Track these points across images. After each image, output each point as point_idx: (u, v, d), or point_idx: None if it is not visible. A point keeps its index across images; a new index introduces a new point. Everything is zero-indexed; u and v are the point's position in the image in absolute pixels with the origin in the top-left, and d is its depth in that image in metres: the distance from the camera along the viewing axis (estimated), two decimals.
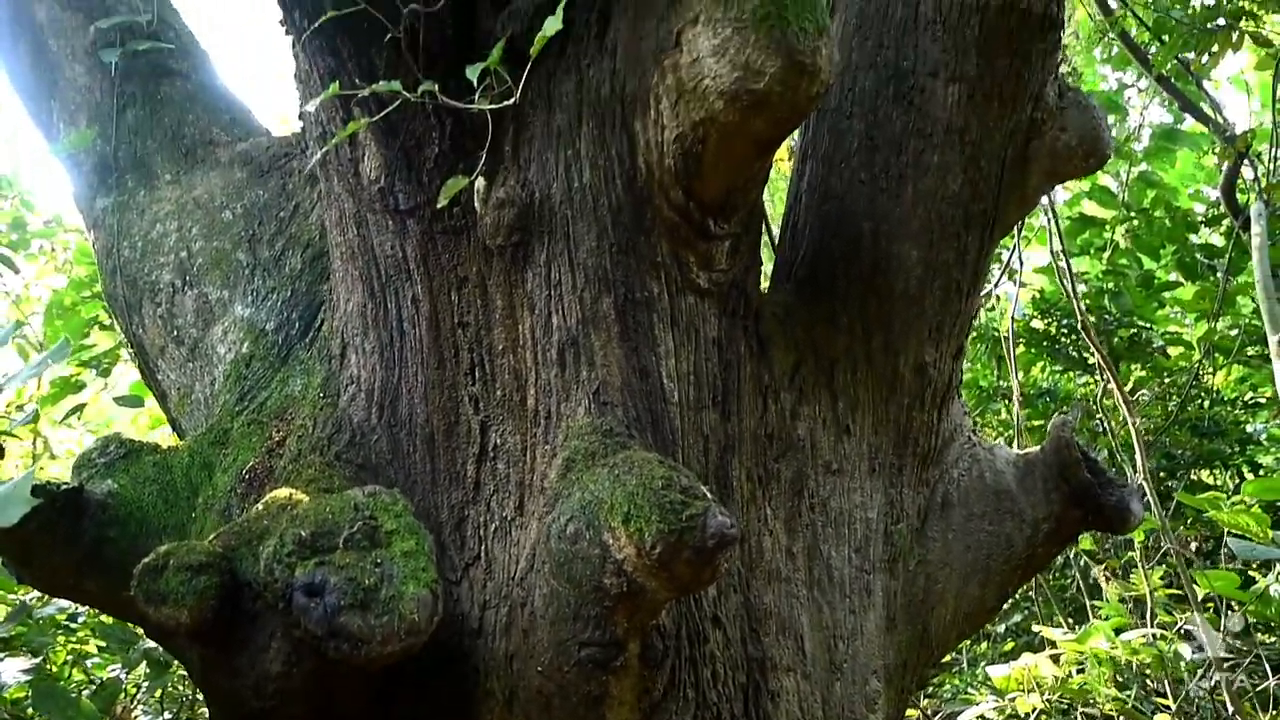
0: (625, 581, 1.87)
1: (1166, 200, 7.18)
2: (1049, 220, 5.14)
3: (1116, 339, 6.79)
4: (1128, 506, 2.64)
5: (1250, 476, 6.37)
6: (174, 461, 2.43)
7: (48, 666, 3.86)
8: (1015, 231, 5.38)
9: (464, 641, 2.16)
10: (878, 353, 2.60)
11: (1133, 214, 7.11)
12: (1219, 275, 6.66)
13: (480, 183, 2.24)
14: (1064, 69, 8.48)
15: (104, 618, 3.67)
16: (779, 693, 2.30)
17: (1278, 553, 3.51)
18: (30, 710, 3.32)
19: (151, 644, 3.52)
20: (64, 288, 4.85)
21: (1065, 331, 6.74)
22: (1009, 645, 6.65)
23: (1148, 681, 4.71)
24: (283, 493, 2.07)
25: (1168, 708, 4.48)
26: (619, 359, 2.21)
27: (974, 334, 7.02)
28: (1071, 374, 7.33)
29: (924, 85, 2.58)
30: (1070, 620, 6.04)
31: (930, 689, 6.47)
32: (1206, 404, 7.08)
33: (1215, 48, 4.88)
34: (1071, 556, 6.07)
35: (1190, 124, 7.21)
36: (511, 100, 2.12)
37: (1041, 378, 7.64)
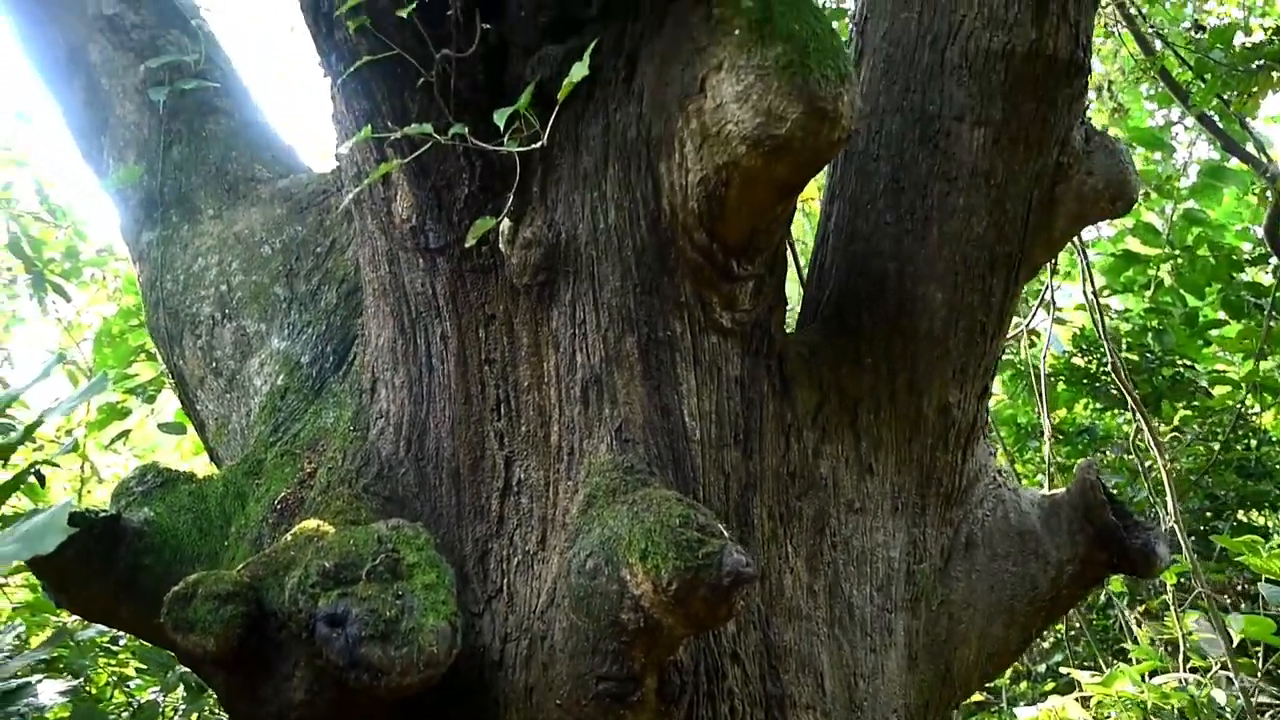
0: (642, 617, 1.90)
1: (1210, 238, 7.13)
2: (1081, 260, 5.12)
3: (1159, 378, 6.74)
4: (1153, 550, 2.64)
5: None
6: (209, 490, 2.49)
7: (89, 688, 3.94)
8: (1049, 268, 5.37)
9: (485, 673, 2.19)
10: (902, 393, 2.61)
11: (1177, 251, 7.07)
12: (1265, 314, 6.60)
13: (507, 223, 2.29)
14: (1110, 104, 8.49)
15: (143, 641, 3.75)
16: None
17: None
18: None
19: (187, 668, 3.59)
20: (113, 316, 4.97)
21: (1105, 369, 6.71)
22: (1049, 686, 6.59)
23: None
24: (310, 524, 2.12)
25: None
26: (641, 397, 2.25)
27: (1013, 371, 7.00)
28: (1114, 412, 7.28)
29: (950, 129, 2.61)
30: (1112, 661, 5.98)
31: None
32: (1253, 444, 7.01)
33: (1256, 88, 4.86)
34: (1114, 596, 6.01)
35: (1237, 161, 7.17)
36: (539, 143, 2.17)
37: (1083, 415, 7.59)
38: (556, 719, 2.09)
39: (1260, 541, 3.98)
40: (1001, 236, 2.63)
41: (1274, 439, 7.12)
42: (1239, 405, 6.69)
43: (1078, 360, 6.93)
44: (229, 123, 3.32)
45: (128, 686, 4.20)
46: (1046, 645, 7.47)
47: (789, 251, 3.63)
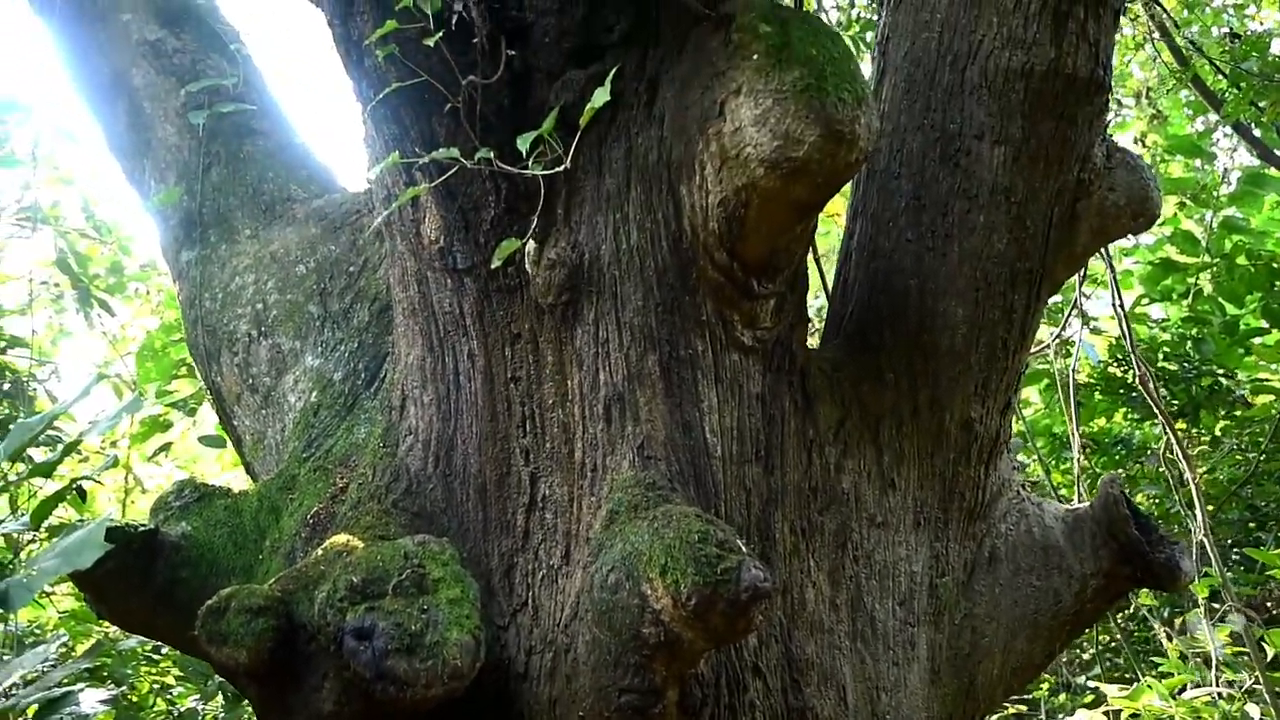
0: (663, 631, 1.95)
1: (1250, 246, 7.06)
2: (1109, 273, 5.11)
3: (1197, 388, 6.69)
4: (1176, 564, 2.65)
5: None
6: (244, 505, 2.57)
7: (131, 696, 4.03)
8: (1080, 276, 5.35)
9: (510, 685, 2.24)
10: (923, 408, 2.64)
11: (1215, 259, 7.01)
12: None
13: (532, 244, 2.34)
14: (1149, 110, 8.43)
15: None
16: None
17: None
18: None
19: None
20: (155, 330, 5.08)
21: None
22: (1088, 698, 6.55)
23: None
24: (340, 539, 2.18)
25: None
26: (663, 414, 2.29)
27: (1048, 381, 6.97)
28: (1151, 422, 7.23)
29: (970, 147, 2.63)
30: (1154, 674, 5.94)
31: None
32: None
33: None
34: (1147, 610, 5.97)
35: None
36: (563, 166, 2.23)
37: (1121, 425, 7.54)
38: None
39: None
40: (1022, 253, 2.65)
41: None
42: None
43: (1114, 370, 6.89)
44: (266, 144, 3.40)
45: (169, 695, 4.29)
46: (1087, 657, 7.43)
47: (817, 267, 3.67)
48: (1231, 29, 6.36)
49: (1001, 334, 2.67)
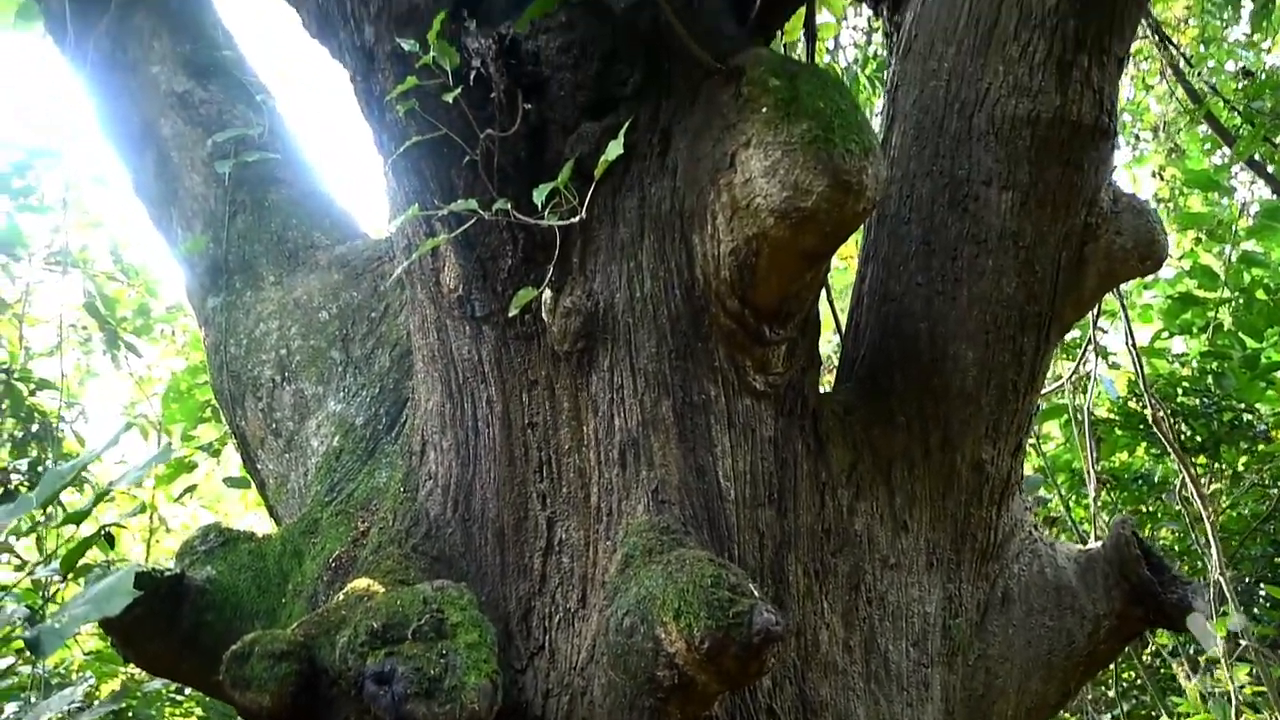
0: (677, 674, 1.99)
1: (1267, 281, 7.07)
2: (1121, 312, 5.13)
3: (1217, 423, 6.68)
4: (1189, 604, 2.66)
5: None
6: (267, 549, 2.62)
7: None
8: (1096, 312, 5.37)
9: None
10: (935, 450, 2.67)
11: (1234, 294, 7.02)
12: None
13: (548, 293, 2.39)
14: (1166, 145, 8.46)
15: None
16: None
17: None
18: None
19: None
20: (180, 372, 5.17)
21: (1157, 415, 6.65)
22: None
23: None
24: (361, 583, 2.23)
25: None
26: (677, 459, 2.34)
27: (1068, 416, 6.97)
28: (1171, 457, 7.20)
29: (978, 193, 2.68)
30: (1175, 716, 5.90)
31: None
32: None
33: None
34: (1163, 650, 5.94)
35: None
36: (578, 217, 2.29)
37: (1142, 460, 7.52)
38: None
39: None
40: (1031, 296, 2.69)
41: None
42: None
43: (1134, 404, 6.88)
44: (290, 192, 3.48)
45: None
46: (1112, 694, 7.39)
47: (831, 310, 3.72)
48: (1245, 66, 6.40)
49: (1011, 376, 2.70)
